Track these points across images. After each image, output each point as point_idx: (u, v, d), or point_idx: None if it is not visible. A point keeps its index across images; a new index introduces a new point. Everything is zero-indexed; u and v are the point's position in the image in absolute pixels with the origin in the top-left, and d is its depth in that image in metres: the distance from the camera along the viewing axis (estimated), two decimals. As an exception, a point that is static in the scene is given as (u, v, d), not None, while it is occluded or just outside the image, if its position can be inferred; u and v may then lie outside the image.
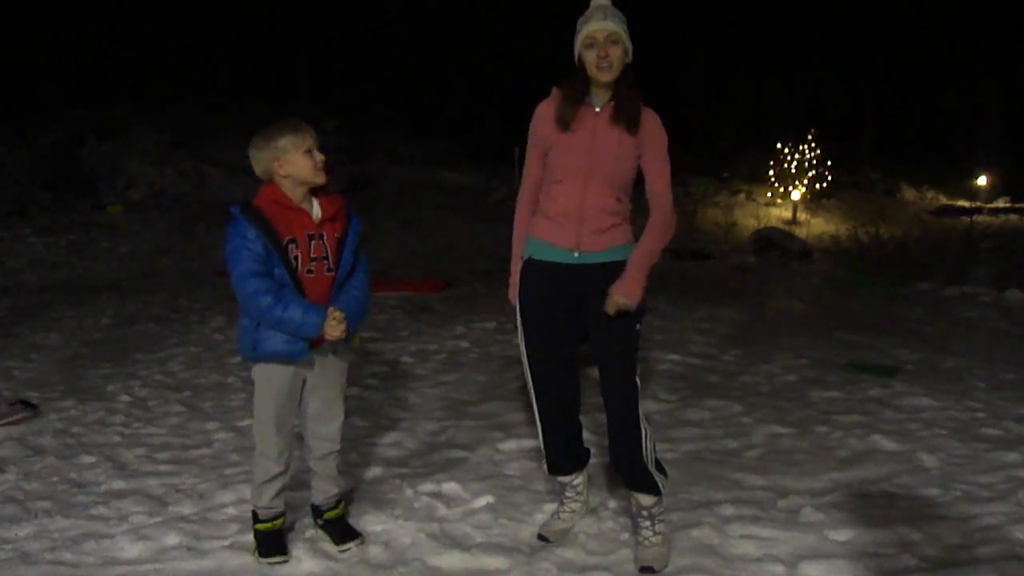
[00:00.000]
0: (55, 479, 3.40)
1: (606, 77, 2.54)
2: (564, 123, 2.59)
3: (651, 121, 2.63)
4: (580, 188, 2.60)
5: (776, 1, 23.88)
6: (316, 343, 2.59)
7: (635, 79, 2.61)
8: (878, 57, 25.15)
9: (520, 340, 2.77)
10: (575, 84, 2.61)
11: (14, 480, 3.39)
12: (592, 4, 2.62)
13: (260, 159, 2.58)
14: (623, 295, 2.55)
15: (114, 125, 15.71)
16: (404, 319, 6.88)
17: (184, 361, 5.46)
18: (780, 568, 2.63)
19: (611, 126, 2.58)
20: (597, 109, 2.60)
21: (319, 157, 2.58)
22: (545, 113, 2.66)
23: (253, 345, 2.56)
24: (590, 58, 2.55)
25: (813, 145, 20.81)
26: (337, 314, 2.55)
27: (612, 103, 2.59)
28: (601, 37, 2.52)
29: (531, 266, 2.71)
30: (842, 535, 2.85)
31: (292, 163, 2.55)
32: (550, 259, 2.67)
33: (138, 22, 17.73)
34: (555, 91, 2.67)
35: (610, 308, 2.56)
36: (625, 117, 2.56)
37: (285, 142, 2.54)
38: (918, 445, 3.79)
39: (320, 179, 2.60)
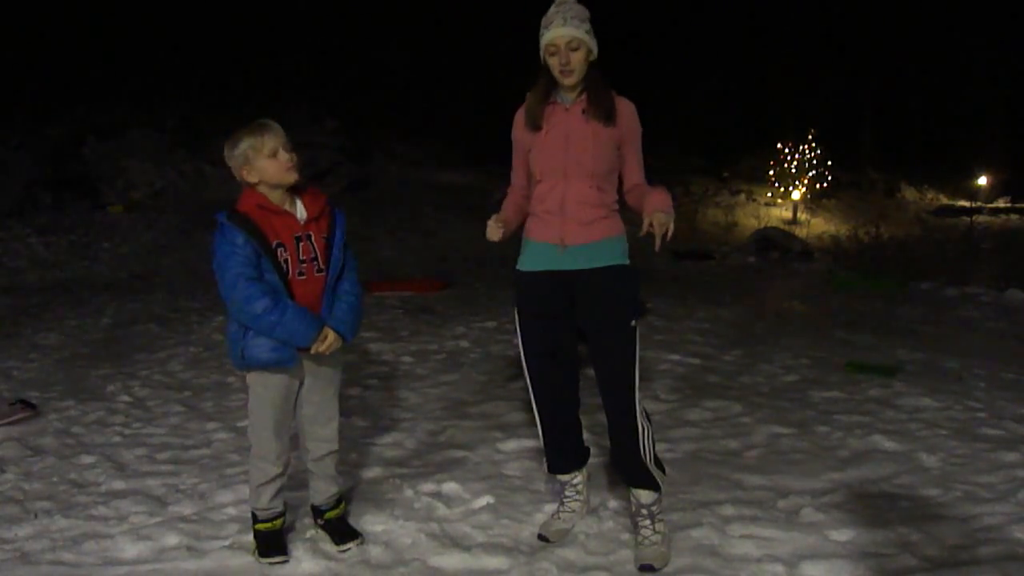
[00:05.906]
0: (55, 479, 3.40)
1: (569, 81, 2.59)
2: (535, 123, 2.65)
3: (628, 111, 2.65)
4: (560, 184, 2.63)
5: (777, 1, 23.88)
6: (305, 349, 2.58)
7: (601, 73, 2.63)
8: (878, 57, 25.15)
9: (519, 342, 2.80)
10: (542, 85, 2.66)
11: (14, 480, 3.39)
12: (553, 4, 2.62)
13: (232, 167, 2.54)
14: (659, 207, 2.41)
15: (114, 125, 15.72)
16: (404, 319, 6.88)
17: (184, 361, 5.46)
18: (780, 568, 2.62)
19: (584, 120, 2.61)
20: (567, 106, 2.63)
21: (284, 157, 2.51)
22: (520, 117, 2.72)
23: (241, 353, 2.53)
24: (553, 64, 2.59)
25: (813, 145, 20.84)
26: (329, 339, 2.55)
27: (583, 97, 2.63)
28: (562, 44, 2.55)
29: (524, 277, 2.74)
30: (842, 535, 2.84)
31: (258, 169, 2.50)
32: (540, 266, 2.69)
33: (138, 22, 17.72)
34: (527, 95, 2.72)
35: (654, 225, 2.40)
36: (600, 110, 2.58)
37: (245, 148, 2.48)
38: (918, 445, 3.79)
39: (290, 179, 2.53)
